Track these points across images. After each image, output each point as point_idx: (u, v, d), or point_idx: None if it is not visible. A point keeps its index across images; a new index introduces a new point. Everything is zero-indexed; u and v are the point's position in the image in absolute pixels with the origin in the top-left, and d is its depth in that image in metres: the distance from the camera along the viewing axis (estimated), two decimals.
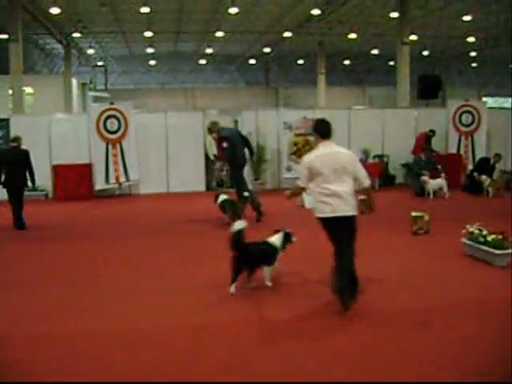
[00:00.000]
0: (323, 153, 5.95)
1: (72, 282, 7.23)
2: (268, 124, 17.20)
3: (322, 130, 6.08)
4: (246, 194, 11.12)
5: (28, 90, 29.08)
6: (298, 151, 16.24)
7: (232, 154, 11.19)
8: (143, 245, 9.50)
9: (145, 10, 25.13)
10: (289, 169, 16.74)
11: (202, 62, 41.93)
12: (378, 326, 5.44)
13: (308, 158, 6.10)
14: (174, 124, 16.87)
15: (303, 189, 6.22)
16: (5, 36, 26.98)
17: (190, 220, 11.89)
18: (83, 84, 37.02)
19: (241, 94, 40.27)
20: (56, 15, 26.30)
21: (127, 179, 15.99)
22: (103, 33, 33.51)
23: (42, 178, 16.16)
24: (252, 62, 42.78)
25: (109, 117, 15.84)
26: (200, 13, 28.57)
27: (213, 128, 11.64)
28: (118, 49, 39.66)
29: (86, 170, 15.99)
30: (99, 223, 12.13)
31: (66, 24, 30.42)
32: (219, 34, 31.07)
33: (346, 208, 5.79)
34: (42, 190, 16.25)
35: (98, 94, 35.42)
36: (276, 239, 6.79)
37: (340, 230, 5.86)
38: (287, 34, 31.15)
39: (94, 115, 15.96)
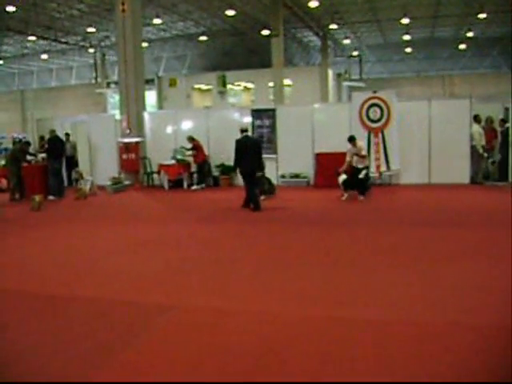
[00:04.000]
0: None
1: (329, 266, 7.10)
2: None
3: None
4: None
5: (287, 81, 30.51)
6: None
7: None
8: (409, 235, 9.09)
9: None
10: None
11: (462, 46, 39.70)
12: None
13: None
14: (437, 112, 16.05)
15: None
16: (267, 32, 28.75)
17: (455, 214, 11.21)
18: (338, 74, 37.67)
19: (504, 80, 37.17)
20: (314, 8, 27.11)
21: (388, 168, 15.70)
22: (358, 22, 33.71)
23: (305, 165, 16.79)
24: None
25: (371, 105, 15.72)
26: None
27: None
28: (373, 38, 39.58)
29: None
30: (357, 212, 12.03)
31: (322, 16, 31.27)
32: (481, 15, 29.12)
33: None
34: (305, 177, 16.78)
35: (353, 83, 35.72)
36: None
37: None
38: None
39: (356, 104, 15.97)
